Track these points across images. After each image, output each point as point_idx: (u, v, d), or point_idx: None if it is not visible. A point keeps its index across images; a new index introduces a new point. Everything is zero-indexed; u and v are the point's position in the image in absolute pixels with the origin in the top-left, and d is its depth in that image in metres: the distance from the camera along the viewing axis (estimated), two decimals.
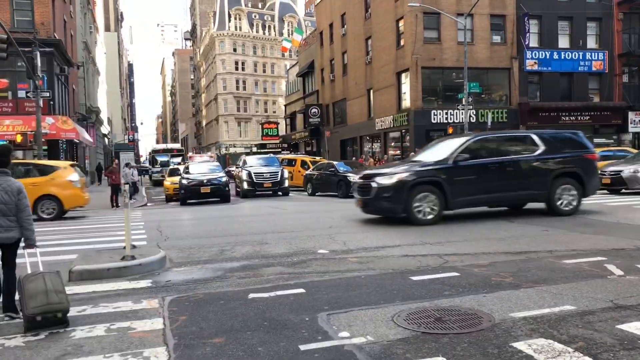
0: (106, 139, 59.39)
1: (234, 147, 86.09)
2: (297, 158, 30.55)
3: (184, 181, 20.48)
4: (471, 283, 5.97)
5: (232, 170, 32.19)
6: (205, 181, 20.41)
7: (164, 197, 24.92)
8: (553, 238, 8.99)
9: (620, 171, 17.63)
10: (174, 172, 26.73)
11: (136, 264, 7.23)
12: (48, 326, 4.72)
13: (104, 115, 53.98)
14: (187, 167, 22.79)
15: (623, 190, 18.04)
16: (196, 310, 5.25)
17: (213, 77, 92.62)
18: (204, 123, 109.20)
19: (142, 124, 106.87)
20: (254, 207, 18.22)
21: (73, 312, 5.21)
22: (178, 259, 8.16)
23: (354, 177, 20.15)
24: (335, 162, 24.01)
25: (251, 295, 5.74)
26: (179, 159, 45.41)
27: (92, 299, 5.88)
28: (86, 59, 41.37)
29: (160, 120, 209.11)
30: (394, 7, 33.86)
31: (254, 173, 22.66)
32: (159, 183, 41.33)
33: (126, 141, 68.39)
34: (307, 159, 30.17)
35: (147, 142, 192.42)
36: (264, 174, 22.68)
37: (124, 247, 7.65)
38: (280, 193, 23.24)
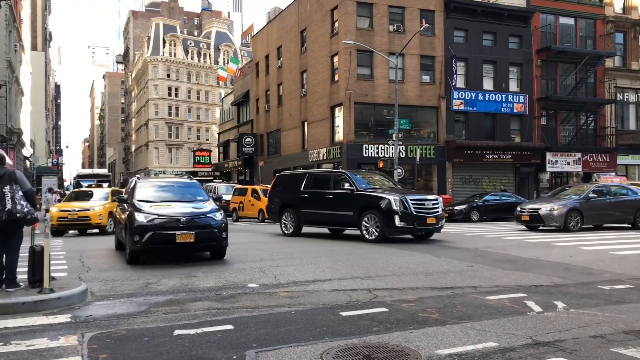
0: (28, 162, 56.49)
1: (164, 173, 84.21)
2: (249, 187, 29.90)
3: (141, 217, 10.34)
4: (399, 319, 6.05)
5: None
6: (183, 220, 10.37)
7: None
8: (477, 274, 9.30)
9: (538, 209, 18.58)
10: (82, 196, 20.87)
11: (54, 298, 6.84)
12: None
13: (26, 137, 51.44)
14: (133, 189, 11.95)
15: (540, 227, 19.00)
16: (118, 348, 5.02)
17: (145, 102, 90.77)
18: (133, 148, 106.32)
19: (67, 147, 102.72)
20: None
21: None
22: (100, 292, 7.80)
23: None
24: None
25: (177, 332, 5.55)
26: (105, 185, 43.74)
27: (3, 335, 5.49)
28: (9, 78, 39.50)
29: (87, 144, 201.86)
30: (329, 43, 34.66)
31: (412, 201, 14.29)
32: None
33: (49, 165, 65.35)
34: (258, 188, 29.14)
35: (73, 166, 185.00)
36: (425, 203, 14.56)
37: (42, 279, 7.23)
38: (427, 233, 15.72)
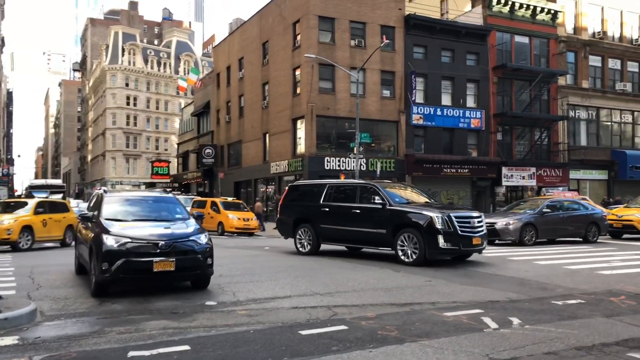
0: None
1: (121, 184, 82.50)
2: (208, 200, 29.53)
3: (110, 240, 8.65)
4: (358, 337, 6.04)
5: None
6: (161, 244, 8.72)
7: None
8: (436, 289, 9.39)
9: (494, 223, 18.93)
10: (8, 207, 19.10)
11: (0, 318, 6.56)
12: None
13: None
14: (99, 205, 10.18)
15: (497, 241, 19.37)
16: None
17: (102, 110, 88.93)
18: (89, 158, 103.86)
19: (19, 156, 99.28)
20: None
21: None
22: (51, 312, 7.53)
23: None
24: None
25: (131, 354, 5.40)
26: (59, 196, 42.52)
27: None
28: None
29: (41, 153, 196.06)
30: (291, 56, 34.77)
31: (456, 218, 12.45)
32: None
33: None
34: (218, 200, 28.84)
35: (25, 175, 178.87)
36: (470, 221, 12.75)
37: None
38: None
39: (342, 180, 15.40)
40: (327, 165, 32.68)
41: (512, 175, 37.80)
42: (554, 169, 39.15)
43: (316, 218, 14.75)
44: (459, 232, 12.33)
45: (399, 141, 35.13)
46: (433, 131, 35.96)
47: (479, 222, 12.91)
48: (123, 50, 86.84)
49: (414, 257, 12.44)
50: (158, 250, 8.63)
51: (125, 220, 9.50)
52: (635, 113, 42.74)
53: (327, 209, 14.48)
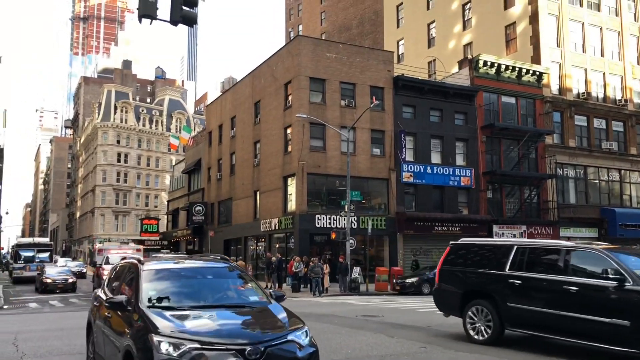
0: None
1: (109, 241, 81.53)
2: None
3: (165, 346, 5.41)
4: None
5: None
6: (249, 350, 5.48)
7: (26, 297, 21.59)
8: (431, 356, 9.18)
9: None
10: None
11: None
12: None
13: None
14: (135, 283, 6.66)
15: None
16: None
17: (93, 167, 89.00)
18: (78, 215, 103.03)
19: (7, 213, 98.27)
20: None
21: None
22: None
23: None
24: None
25: None
26: (45, 255, 41.95)
27: None
28: None
29: (29, 209, 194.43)
30: (282, 115, 35.29)
31: None
32: (21, 280, 38.32)
33: None
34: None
35: (12, 232, 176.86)
36: None
37: None
38: None
39: (540, 241, 11.19)
40: (318, 223, 32.57)
41: (503, 233, 37.75)
42: (544, 227, 39.24)
43: (499, 293, 10.28)
44: None
45: (389, 199, 35.22)
46: (423, 189, 36.16)
47: None
48: (115, 107, 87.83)
49: None
50: (247, 355, 5.46)
51: (178, 309, 6.18)
52: (622, 171, 43.33)
53: (519, 282, 9.96)
